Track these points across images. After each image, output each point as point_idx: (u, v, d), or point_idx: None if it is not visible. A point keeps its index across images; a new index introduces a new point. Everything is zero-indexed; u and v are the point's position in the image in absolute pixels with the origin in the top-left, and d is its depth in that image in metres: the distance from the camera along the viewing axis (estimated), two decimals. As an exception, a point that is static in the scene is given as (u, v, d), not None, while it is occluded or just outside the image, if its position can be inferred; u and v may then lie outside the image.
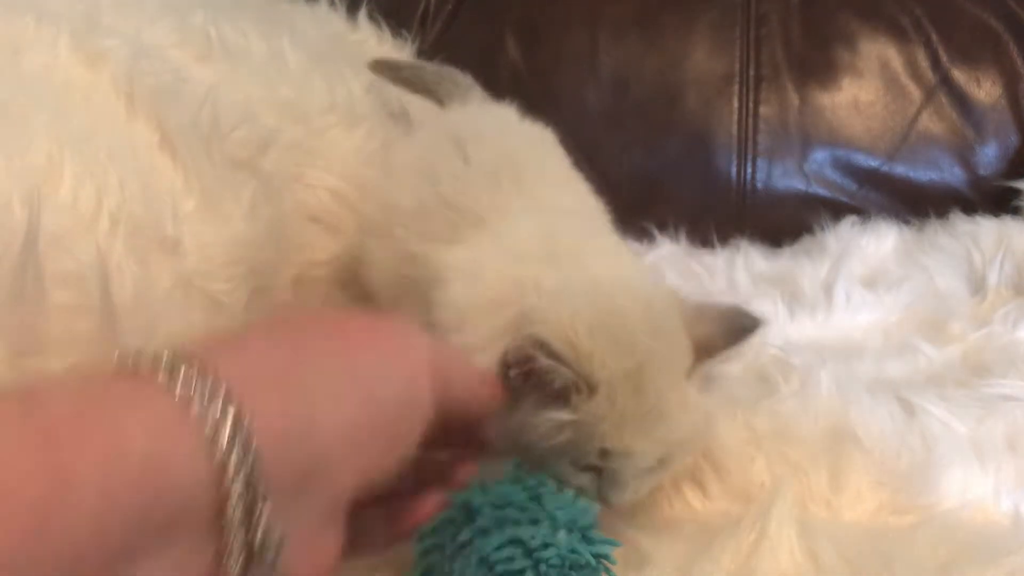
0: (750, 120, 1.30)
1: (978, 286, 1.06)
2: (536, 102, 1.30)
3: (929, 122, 1.28)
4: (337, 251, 0.84)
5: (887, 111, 1.28)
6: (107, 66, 0.67)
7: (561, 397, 0.52)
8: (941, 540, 0.56)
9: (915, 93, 1.29)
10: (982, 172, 1.28)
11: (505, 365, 0.51)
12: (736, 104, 1.30)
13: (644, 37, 1.31)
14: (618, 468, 0.55)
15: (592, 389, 0.52)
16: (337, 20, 1.22)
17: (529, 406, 0.53)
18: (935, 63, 1.29)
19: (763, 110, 1.30)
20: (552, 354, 0.51)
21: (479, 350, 0.55)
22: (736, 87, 1.32)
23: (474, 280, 0.60)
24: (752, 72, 1.32)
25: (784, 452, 0.68)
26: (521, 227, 0.63)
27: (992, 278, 1.05)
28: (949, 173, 1.28)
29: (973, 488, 0.65)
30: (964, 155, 1.28)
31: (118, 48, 0.69)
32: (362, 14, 1.25)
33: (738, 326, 0.60)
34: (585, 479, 0.55)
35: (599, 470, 0.55)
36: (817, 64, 1.31)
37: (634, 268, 0.64)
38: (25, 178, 0.54)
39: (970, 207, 1.21)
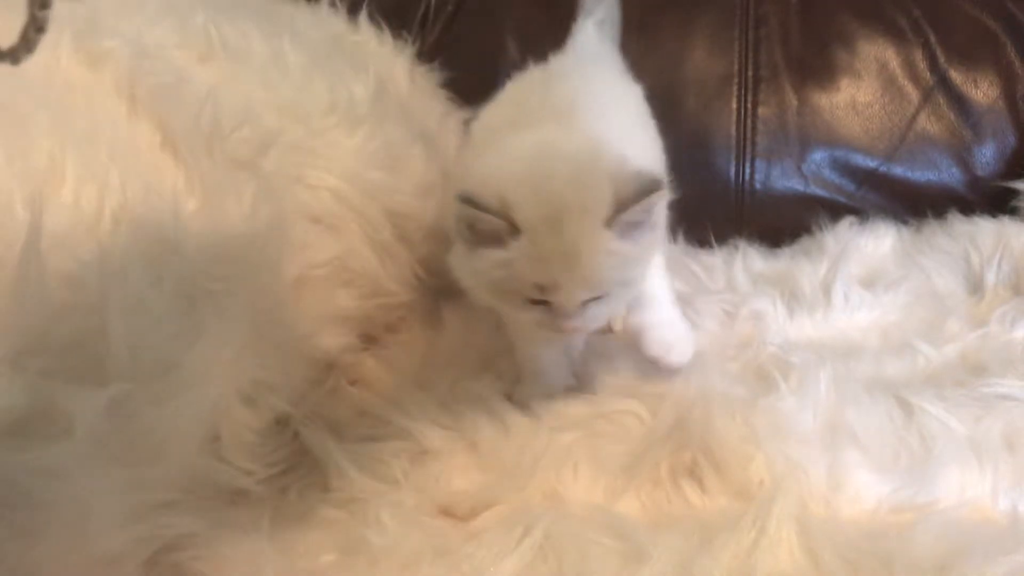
0: (749, 121, 1.30)
1: (976, 286, 1.06)
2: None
3: (927, 123, 1.28)
4: (338, 251, 0.84)
5: (885, 112, 1.29)
6: (109, 67, 0.68)
7: (495, 240, 0.66)
8: (939, 539, 0.57)
9: (913, 94, 1.29)
10: (980, 173, 1.28)
11: (456, 219, 0.68)
12: (735, 105, 1.31)
13: (643, 38, 1.31)
14: (556, 301, 0.67)
15: (516, 231, 0.65)
16: (338, 21, 1.22)
17: (476, 250, 0.67)
18: (933, 64, 1.30)
19: (762, 111, 1.30)
20: (481, 206, 0.65)
21: None
22: (735, 88, 1.32)
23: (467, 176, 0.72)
24: (751, 73, 1.32)
25: (783, 450, 0.68)
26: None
27: (990, 278, 1.06)
28: (947, 173, 1.29)
29: (971, 487, 0.65)
30: (962, 156, 1.28)
31: (120, 49, 0.69)
32: (363, 15, 1.25)
33: (641, 187, 0.67)
34: (537, 312, 0.68)
35: (546, 304, 0.67)
36: (815, 65, 1.31)
37: (577, 138, 0.72)
38: (27, 179, 0.54)
39: (968, 207, 1.22)
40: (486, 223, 0.66)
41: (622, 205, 0.66)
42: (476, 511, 0.66)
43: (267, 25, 0.95)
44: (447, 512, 0.66)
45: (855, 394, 0.78)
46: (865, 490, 0.65)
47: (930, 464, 0.67)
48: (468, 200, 0.65)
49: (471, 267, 0.69)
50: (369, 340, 0.92)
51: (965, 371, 0.84)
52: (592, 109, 0.78)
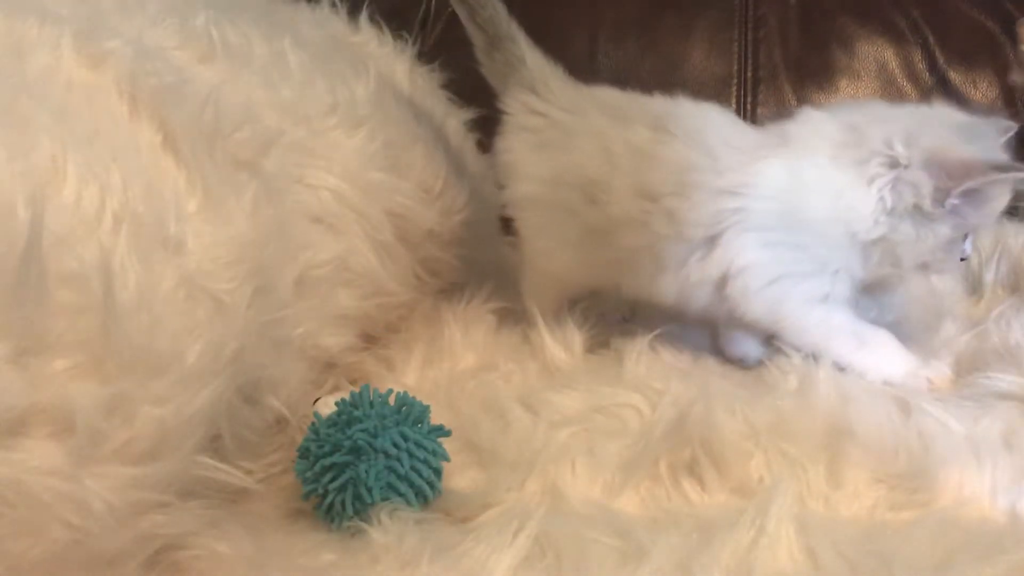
0: (748, 122, 1.30)
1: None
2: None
3: (926, 123, 1.28)
4: (338, 251, 0.84)
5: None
6: (110, 67, 0.68)
7: None
8: (938, 537, 0.57)
9: (912, 94, 1.30)
10: (979, 173, 1.28)
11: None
12: (734, 106, 1.31)
13: (643, 39, 1.31)
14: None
15: None
16: (338, 22, 1.23)
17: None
18: (932, 64, 1.30)
19: (761, 111, 1.31)
20: None
21: None
22: (734, 88, 1.32)
23: None
24: (750, 74, 1.33)
25: (782, 448, 0.69)
26: None
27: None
28: (946, 174, 1.28)
29: (970, 486, 0.65)
30: (961, 156, 1.28)
31: (121, 49, 0.69)
32: (363, 16, 1.25)
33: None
34: None
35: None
36: (815, 66, 1.32)
37: None
38: (29, 179, 0.54)
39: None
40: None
41: None
42: (475, 509, 0.66)
43: (268, 26, 0.96)
44: (446, 511, 0.66)
45: (854, 393, 0.78)
46: (864, 488, 0.66)
47: (929, 463, 0.67)
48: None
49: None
50: (369, 340, 0.92)
51: (964, 370, 0.84)
52: None
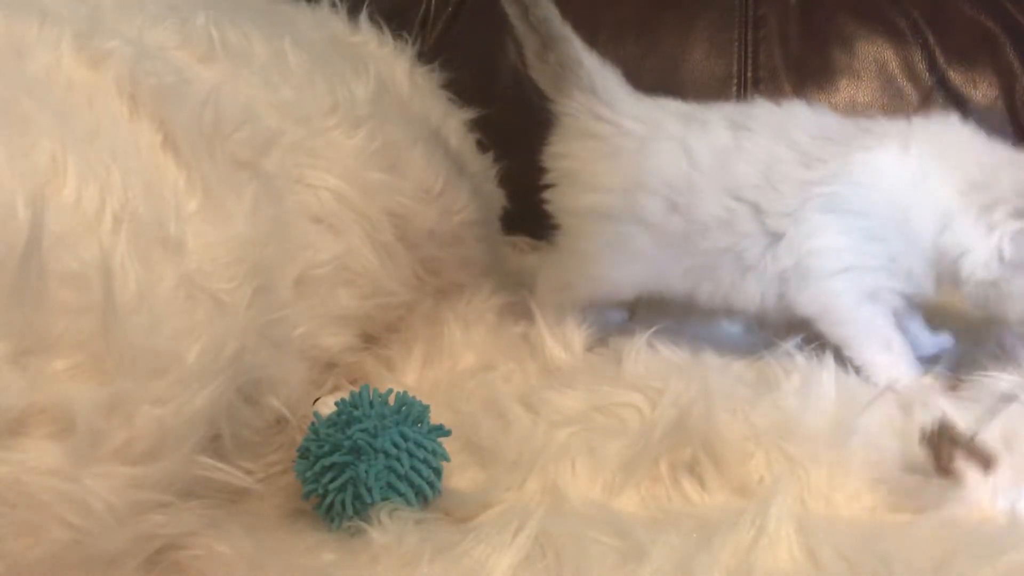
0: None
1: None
2: (535, 103, 1.32)
3: (927, 123, 1.28)
4: (338, 251, 0.84)
5: (885, 112, 1.28)
6: (110, 67, 0.68)
7: None
8: (938, 538, 0.57)
9: (912, 95, 1.30)
10: (979, 173, 1.28)
11: None
12: (734, 105, 1.31)
13: (642, 39, 1.31)
14: None
15: None
16: (338, 22, 1.22)
17: None
18: (932, 65, 1.30)
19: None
20: None
21: None
22: (734, 89, 1.32)
23: None
24: (750, 74, 1.33)
25: (784, 448, 0.69)
26: None
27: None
28: (947, 174, 1.28)
29: (970, 486, 0.65)
30: (962, 156, 1.28)
31: (121, 49, 0.69)
32: (363, 16, 1.25)
33: None
34: None
35: None
36: (815, 66, 1.32)
37: None
38: (29, 178, 0.54)
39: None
40: None
41: None
42: (475, 509, 0.66)
43: (268, 26, 0.96)
44: (446, 510, 0.66)
45: (857, 393, 0.78)
46: (865, 489, 0.66)
47: (929, 464, 0.67)
48: None
49: None
50: (369, 340, 0.92)
51: (962, 371, 0.84)
52: None
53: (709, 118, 0.89)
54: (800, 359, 0.84)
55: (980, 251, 0.80)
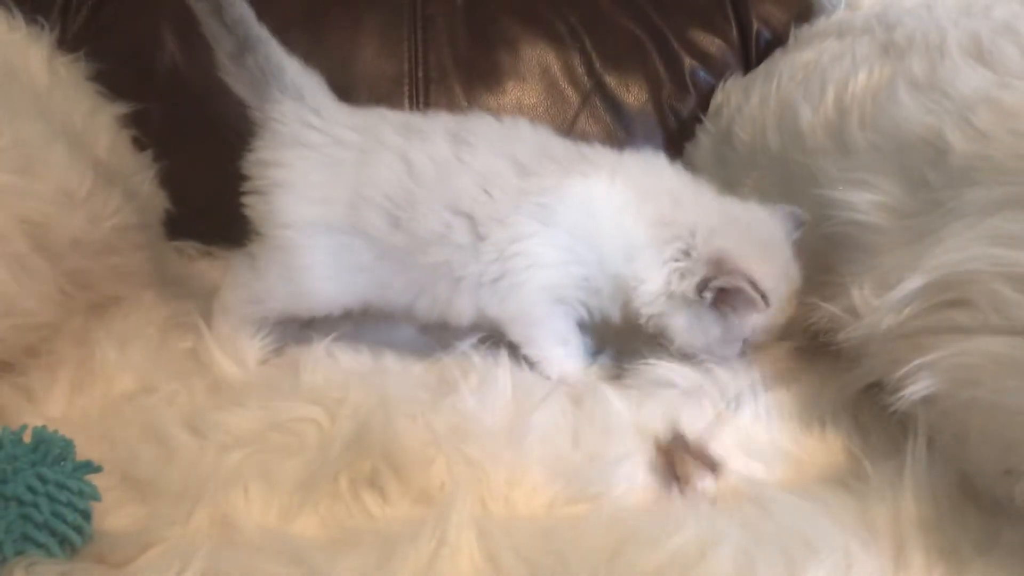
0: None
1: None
2: (197, 98, 1.23)
3: (587, 124, 1.36)
4: None
5: (548, 114, 1.34)
6: None
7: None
8: (610, 528, 0.58)
9: (573, 97, 1.36)
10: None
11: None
12: (407, 106, 1.31)
13: (309, 35, 1.27)
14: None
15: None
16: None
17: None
18: (590, 69, 1.37)
19: (433, 112, 1.31)
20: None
21: None
22: (406, 88, 1.32)
23: None
24: (421, 74, 1.33)
25: (463, 451, 0.68)
26: None
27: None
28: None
29: (637, 471, 0.69)
30: (618, 156, 1.37)
31: None
32: (-13, -4, 1.10)
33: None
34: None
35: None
36: (482, 67, 1.34)
37: None
38: None
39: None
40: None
41: None
42: (134, 551, 0.59)
43: None
44: (99, 556, 0.59)
45: (532, 389, 0.80)
46: (542, 485, 0.67)
47: (606, 454, 0.70)
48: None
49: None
50: (3, 367, 0.80)
51: (624, 360, 0.89)
52: None
53: (428, 129, 0.88)
54: (477, 359, 0.85)
55: (652, 284, 0.85)
